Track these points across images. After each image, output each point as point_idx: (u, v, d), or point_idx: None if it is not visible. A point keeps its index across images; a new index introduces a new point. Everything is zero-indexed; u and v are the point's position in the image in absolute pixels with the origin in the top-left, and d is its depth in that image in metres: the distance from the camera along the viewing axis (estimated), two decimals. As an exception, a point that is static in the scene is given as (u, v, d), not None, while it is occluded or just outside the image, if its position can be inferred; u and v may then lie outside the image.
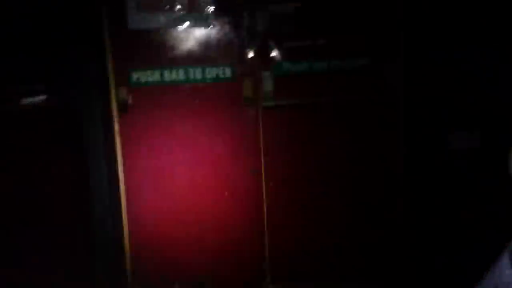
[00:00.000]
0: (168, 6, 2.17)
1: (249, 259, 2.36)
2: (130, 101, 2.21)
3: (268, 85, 2.29)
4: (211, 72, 2.25)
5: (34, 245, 2.09)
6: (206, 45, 2.23)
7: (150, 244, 2.30)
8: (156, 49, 2.21)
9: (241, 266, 2.36)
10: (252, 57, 2.26)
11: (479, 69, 2.30)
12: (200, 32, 2.21)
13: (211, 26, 2.21)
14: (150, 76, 2.21)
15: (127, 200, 2.26)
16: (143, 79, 2.21)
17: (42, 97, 1.97)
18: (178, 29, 2.20)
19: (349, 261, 2.39)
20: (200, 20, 2.20)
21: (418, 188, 2.40)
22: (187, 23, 2.20)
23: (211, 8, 2.19)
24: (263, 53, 2.26)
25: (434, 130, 2.38)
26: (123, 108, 2.21)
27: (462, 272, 2.02)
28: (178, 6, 2.18)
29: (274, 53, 2.28)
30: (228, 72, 2.26)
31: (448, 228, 2.40)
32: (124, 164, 2.26)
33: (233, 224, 2.34)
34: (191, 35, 2.22)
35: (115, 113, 2.22)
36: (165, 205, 2.30)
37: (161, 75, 2.22)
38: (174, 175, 2.29)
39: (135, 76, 2.20)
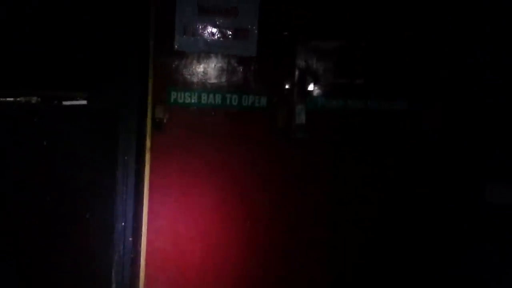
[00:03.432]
0: (214, 32, 2.23)
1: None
2: (165, 120, 2.22)
3: (300, 118, 2.34)
4: (247, 100, 2.29)
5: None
6: (245, 72, 2.28)
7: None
8: (197, 72, 2.24)
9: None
10: (288, 89, 2.32)
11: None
12: (241, 60, 2.26)
13: (253, 55, 2.26)
14: (188, 98, 2.23)
15: (149, 212, 2.22)
16: (180, 100, 2.23)
17: (82, 102, 1.98)
18: (221, 55, 2.25)
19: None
20: (244, 48, 2.25)
21: (451, 240, 2.42)
22: (230, 50, 2.25)
23: (255, 38, 2.25)
24: (299, 86, 2.32)
25: (472, 181, 2.44)
26: (158, 126, 2.20)
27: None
28: (224, 33, 2.24)
29: (310, 88, 2.34)
30: (263, 101, 2.30)
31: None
32: (150, 182, 2.23)
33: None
34: (233, 62, 2.26)
35: (148, 130, 2.21)
36: (187, 227, 2.26)
37: (199, 97, 2.25)
38: (198, 195, 2.27)
39: (173, 95, 2.22)
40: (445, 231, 2.45)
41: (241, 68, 2.27)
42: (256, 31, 2.25)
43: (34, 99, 1.84)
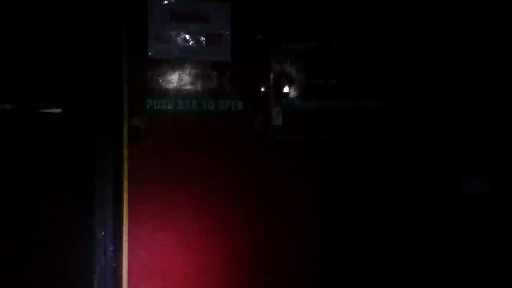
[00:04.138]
0: (188, 38, 2.25)
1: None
2: (142, 128, 2.22)
3: (277, 120, 2.36)
4: (224, 104, 2.31)
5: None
6: (220, 77, 2.30)
7: None
8: (172, 78, 2.25)
9: None
10: (264, 92, 2.34)
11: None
12: (216, 65, 2.28)
13: (227, 60, 2.28)
14: (165, 104, 2.24)
15: (129, 220, 2.21)
16: (157, 106, 2.23)
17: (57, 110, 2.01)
18: (195, 61, 2.26)
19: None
20: (218, 54, 2.27)
21: (428, 233, 2.46)
22: (204, 56, 2.27)
23: (228, 43, 2.28)
24: (274, 89, 2.35)
25: (445, 175, 2.48)
26: (135, 134, 2.21)
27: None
28: (197, 39, 2.26)
29: (285, 90, 2.37)
30: (240, 105, 2.32)
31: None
32: (129, 190, 2.22)
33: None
34: (208, 67, 2.28)
35: (125, 138, 2.21)
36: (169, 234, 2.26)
37: (175, 103, 2.26)
38: (177, 200, 2.27)
39: (149, 102, 2.22)
40: (425, 224, 2.49)
41: (216, 73, 2.29)
42: (229, 36, 2.27)
43: (8, 106, 1.86)
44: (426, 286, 2.48)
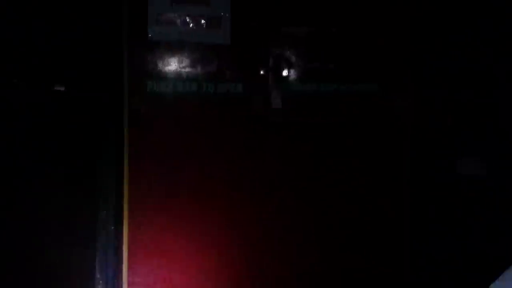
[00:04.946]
0: (188, 21, 2.25)
1: None
2: (142, 111, 2.24)
3: (276, 103, 2.39)
4: (223, 87, 2.32)
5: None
6: (220, 60, 2.31)
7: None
8: (172, 61, 2.27)
9: None
10: (263, 75, 2.36)
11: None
12: (216, 48, 2.29)
13: (227, 43, 2.29)
14: (164, 87, 2.26)
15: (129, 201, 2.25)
16: (157, 89, 2.25)
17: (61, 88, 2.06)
18: (195, 43, 2.27)
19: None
20: (217, 37, 2.28)
21: (425, 214, 2.51)
22: (204, 38, 2.28)
23: (228, 26, 2.28)
24: (274, 72, 2.37)
25: (441, 157, 2.52)
26: (135, 117, 2.23)
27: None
28: (197, 22, 2.26)
29: (284, 73, 2.38)
30: (239, 88, 2.34)
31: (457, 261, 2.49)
32: (130, 171, 2.26)
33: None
34: (207, 50, 2.29)
35: (125, 120, 2.24)
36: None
37: (175, 86, 2.27)
38: (176, 184, 2.31)
39: (149, 85, 2.24)
40: (420, 203, 2.53)
41: (216, 56, 2.30)
42: (229, 19, 2.27)
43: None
44: (422, 271, 2.53)
